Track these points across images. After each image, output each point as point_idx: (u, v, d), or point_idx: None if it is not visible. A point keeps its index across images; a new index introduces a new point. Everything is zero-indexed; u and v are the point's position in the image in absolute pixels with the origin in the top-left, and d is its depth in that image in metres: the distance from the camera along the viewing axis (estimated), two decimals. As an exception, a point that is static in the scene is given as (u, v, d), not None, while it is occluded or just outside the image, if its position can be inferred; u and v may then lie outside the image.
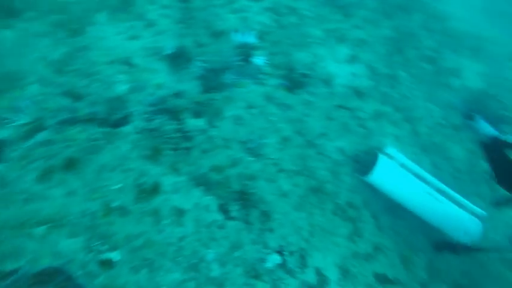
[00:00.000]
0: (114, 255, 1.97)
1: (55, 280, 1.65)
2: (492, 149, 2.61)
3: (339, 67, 4.08)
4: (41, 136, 2.30)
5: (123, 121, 2.69)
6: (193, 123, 2.83)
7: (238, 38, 3.57)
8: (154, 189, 2.31)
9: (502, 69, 5.53)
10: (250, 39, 3.64)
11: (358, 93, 3.93)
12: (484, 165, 3.09)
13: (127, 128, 2.59)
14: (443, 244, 2.87)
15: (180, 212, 2.31)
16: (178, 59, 3.19)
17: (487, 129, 2.59)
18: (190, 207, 2.40)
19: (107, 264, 1.99)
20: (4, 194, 2.04)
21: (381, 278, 2.73)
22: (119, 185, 2.23)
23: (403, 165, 3.17)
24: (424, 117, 4.24)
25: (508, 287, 3.48)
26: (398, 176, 3.09)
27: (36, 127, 2.35)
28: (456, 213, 3.07)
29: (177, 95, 2.93)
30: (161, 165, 2.48)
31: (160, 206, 2.28)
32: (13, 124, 2.26)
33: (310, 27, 4.20)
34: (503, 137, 2.60)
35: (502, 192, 2.88)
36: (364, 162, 3.22)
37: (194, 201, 2.44)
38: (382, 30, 4.68)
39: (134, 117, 2.69)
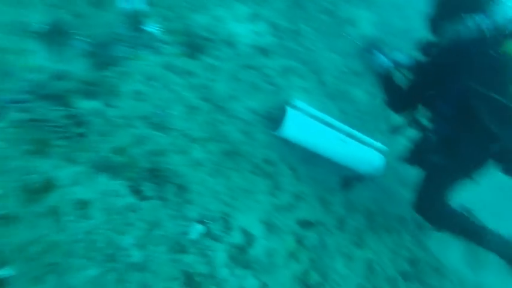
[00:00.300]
0: (5, 272, 1.72)
1: None
2: (384, 77, 2.89)
3: (241, 26, 3.99)
4: None
5: (-6, 116, 2.28)
6: (86, 105, 2.53)
7: (125, 4, 3.21)
8: (47, 186, 2.04)
9: (390, 17, 6.02)
10: (139, 5, 3.31)
11: (263, 50, 3.92)
12: (382, 103, 3.38)
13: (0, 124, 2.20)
14: (348, 179, 3.14)
15: (84, 204, 2.10)
16: (54, 36, 2.76)
17: (382, 60, 2.85)
18: (96, 196, 2.19)
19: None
20: None
21: (304, 223, 2.91)
22: (0, 191, 1.91)
23: (311, 115, 3.31)
24: (328, 67, 4.45)
25: (403, 201, 4.03)
26: (308, 126, 3.24)
27: None
28: (361, 151, 3.36)
29: (60, 77, 2.57)
30: (52, 158, 2.19)
31: (59, 202, 2.04)
32: None
33: (205, -13, 3.97)
34: (393, 56, 2.91)
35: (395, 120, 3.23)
36: (276, 118, 3.29)
37: (100, 189, 2.24)
38: (279, -15, 4.65)
39: (7, 109, 2.29)
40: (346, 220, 3.22)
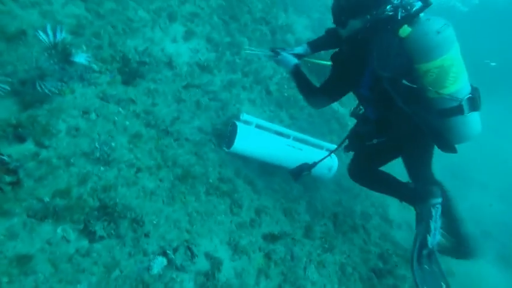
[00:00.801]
0: None
1: None
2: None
3: (177, 46, 4.09)
4: None
5: None
6: (15, 150, 2.44)
7: (46, 37, 3.16)
8: (-20, 246, 1.94)
9: (323, 20, 6.50)
10: (63, 35, 3.27)
11: (204, 67, 4.04)
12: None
13: None
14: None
15: (25, 259, 2.01)
16: (-32, 79, 2.64)
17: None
18: (39, 248, 2.11)
19: None
20: None
21: (270, 237, 3.00)
22: None
23: (260, 126, 3.47)
24: (271, 75, 4.68)
25: (363, 196, 4.30)
26: (259, 138, 3.38)
27: None
28: (315, 155, 3.56)
29: (-19, 123, 2.45)
30: (-18, 214, 2.08)
31: (-4, 261, 1.94)
32: None
33: (134, 11, 4.02)
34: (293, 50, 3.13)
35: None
36: (225, 134, 3.40)
37: (43, 238, 2.16)
38: (211, 1, 4.84)
39: None
40: (313, 227, 3.37)
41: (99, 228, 2.35)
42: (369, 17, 2.40)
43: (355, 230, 3.78)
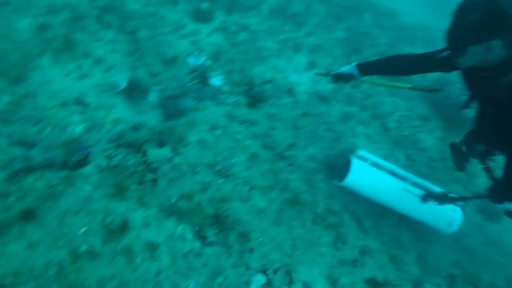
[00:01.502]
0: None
1: None
2: None
3: (299, 75, 4.37)
4: (-7, 191, 2.35)
5: (82, 162, 2.77)
6: (157, 153, 2.95)
7: (192, 61, 3.78)
8: (123, 227, 2.38)
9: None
10: (204, 61, 3.86)
11: (322, 98, 4.20)
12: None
13: (87, 169, 2.67)
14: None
15: (153, 246, 2.39)
16: (133, 92, 3.34)
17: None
18: (164, 240, 2.48)
19: (81, 315, 2.03)
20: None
21: (371, 283, 2.87)
22: (84, 228, 2.29)
23: (376, 164, 3.39)
24: (390, 112, 4.56)
25: (501, 270, 3.71)
26: (373, 175, 3.30)
27: (-13, 183, 2.39)
28: (434, 206, 3.28)
29: (136, 127, 3.06)
30: (128, 201, 2.57)
31: (132, 243, 2.35)
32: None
33: (264, 41, 4.49)
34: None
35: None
36: (338, 167, 3.43)
37: (167, 232, 2.53)
38: (336, 33, 5.06)
39: (93, 156, 2.78)
40: (423, 284, 3.08)
41: (211, 235, 2.64)
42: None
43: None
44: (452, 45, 2.05)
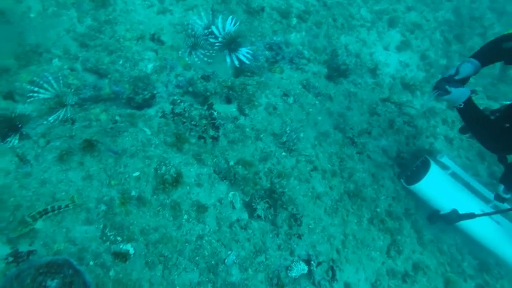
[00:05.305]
0: (129, 248, 1.91)
1: (63, 273, 1.61)
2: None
3: (387, 55, 3.78)
4: (61, 114, 2.25)
5: (147, 103, 2.60)
6: (223, 109, 2.69)
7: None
8: (176, 181, 2.21)
9: None
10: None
11: (408, 86, 3.63)
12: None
13: (151, 111, 2.50)
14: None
15: (201, 208, 2.21)
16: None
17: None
18: (212, 203, 2.29)
19: (121, 256, 1.94)
20: (22, 173, 2.02)
21: (419, 301, 2.53)
22: (138, 173, 2.15)
23: (454, 175, 2.89)
24: (483, 118, 3.86)
25: None
26: (448, 187, 2.82)
27: (57, 104, 2.30)
28: (513, 234, 2.77)
29: (207, 77, 2.79)
30: (185, 154, 2.38)
31: (181, 199, 2.19)
32: (34, 100, 2.22)
33: (358, 8, 3.89)
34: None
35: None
36: (410, 167, 2.97)
37: (217, 196, 2.34)
38: (440, 13, 4.27)
39: (159, 99, 2.59)
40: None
41: (260, 208, 2.40)
42: None
43: None
44: None
